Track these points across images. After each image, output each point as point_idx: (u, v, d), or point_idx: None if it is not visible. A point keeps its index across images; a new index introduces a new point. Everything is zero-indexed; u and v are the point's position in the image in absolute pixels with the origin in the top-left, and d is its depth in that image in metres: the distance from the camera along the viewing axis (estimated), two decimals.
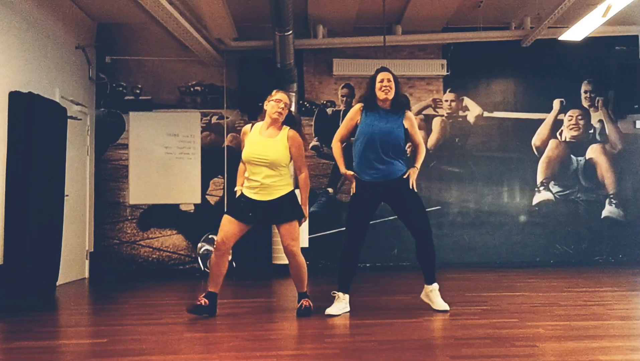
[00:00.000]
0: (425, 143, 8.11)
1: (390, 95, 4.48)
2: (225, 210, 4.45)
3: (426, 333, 3.79)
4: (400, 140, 4.49)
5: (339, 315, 4.44)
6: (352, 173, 4.57)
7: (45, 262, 5.62)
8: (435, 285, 4.60)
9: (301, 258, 4.51)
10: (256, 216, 4.41)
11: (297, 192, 4.56)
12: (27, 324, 4.30)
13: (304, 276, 4.53)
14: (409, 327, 3.98)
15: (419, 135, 4.65)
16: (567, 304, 4.83)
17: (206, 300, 4.39)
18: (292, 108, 7.64)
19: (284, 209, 4.44)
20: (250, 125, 4.58)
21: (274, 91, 4.51)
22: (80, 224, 7.19)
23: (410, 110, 4.71)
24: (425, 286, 4.63)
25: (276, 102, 4.41)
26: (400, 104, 4.55)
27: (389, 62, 7.84)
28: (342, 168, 4.62)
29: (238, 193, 4.50)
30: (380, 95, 4.49)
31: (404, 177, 4.49)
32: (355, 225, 4.55)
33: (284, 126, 4.49)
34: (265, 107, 4.48)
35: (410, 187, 4.48)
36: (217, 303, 4.45)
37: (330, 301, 4.58)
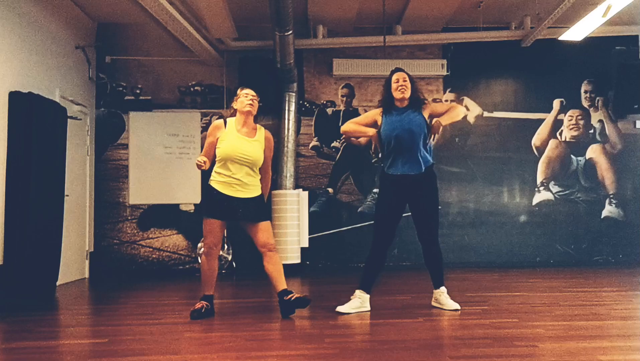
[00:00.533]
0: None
1: (407, 94, 4.53)
2: (204, 213, 4.43)
3: (426, 333, 3.79)
4: (422, 133, 4.50)
5: (350, 313, 4.44)
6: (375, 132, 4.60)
7: (45, 262, 5.62)
8: (443, 288, 4.64)
9: (277, 256, 4.54)
10: (230, 211, 4.39)
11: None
12: (27, 324, 4.30)
13: (282, 272, 4.50)
14: (409, 327, 3.98)
15: (444, 106, 4.67)
16: (567, 304, 4.83)
17: (207, 303, 4.44)
18: (292, 109, 7.68)
19: (260, 208, 4.48)
20: (222, 120, 4.53)
21: (239, 89, 4.56)
22: (80, 224, 7.19)
23: (427, 102, 4.72)
24: (434, 290, 4.67)
25: (244, 96, 4.46)
26: (418, 101, 4.59)
27: (389, 62, 7.86)
28: (368, 132, 4.64)
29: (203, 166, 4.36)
30: (397, 95, 4.53)
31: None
32: (383, 221, 4.57)
33: (259, 126, 4.56)
34: (234, 107, 4.50)
35: (436, 132, 4.48)
36: (213, 305, 4.52)
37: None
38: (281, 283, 4.45)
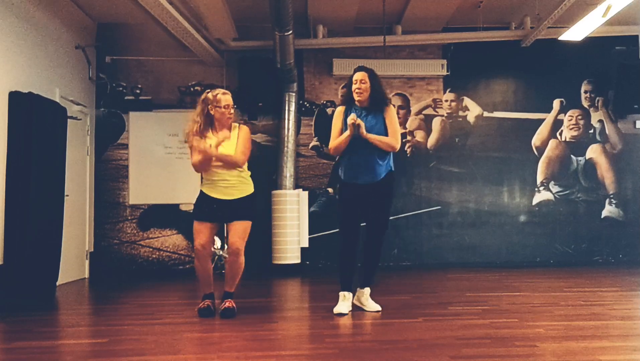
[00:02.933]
0: (425, 143, 8.13)
1: (363, 97, 4.45)
2: (194, 217, 4.48)
3: (426, 333, 3.79)
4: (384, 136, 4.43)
5: (347, 313, 4.44)
6: (356, 121, 4.39)
7: (45, 262, 5.61)
8: (368, 290, 4.62)
9: (243, 259, 4.50)
10: (220, 213, 4.43)
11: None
12: (27, 324, 4.30)
13: (238, 276, 4.55)
14: (409, 327, 3.98)
15: (394, 129, 4.46)
16: (567, 304, 4.83)
17: (211, 301, 4.50)
18: (292, 109, 7.68)
19: (242, 208, 4.46)
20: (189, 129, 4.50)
21: (217, 94, 4.42)
22: (80, 224, 7.18)
23: (390, 105, 4.60)
24: (359, 289, 4.64)
25: (226, 109, 4.41)
26: (378, 101, 4.47)
27: (389, 62, 7.86)
28: (349, 131, 4.40)
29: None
30: (355, 96, 4.46)
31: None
32: (345, 225, 4.57)
33: (235, 124, 4.54)
34: (211, 112, 4.42)
35: (354, 131, 4.34)
36: (214, 303, 4.55)
37: (331, 301, 4.58)
38: (229, 285, 4.53)
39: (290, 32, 6.36)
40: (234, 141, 4.47)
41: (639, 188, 8.27)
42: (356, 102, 4.50)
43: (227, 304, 4.45)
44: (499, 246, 8.12)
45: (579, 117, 8.30)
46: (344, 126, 4.46)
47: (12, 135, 5.41)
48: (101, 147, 7.71)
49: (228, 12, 6.60)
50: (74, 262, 6.91)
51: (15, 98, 5.46)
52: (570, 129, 8.29)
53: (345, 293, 4.56)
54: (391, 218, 7.38)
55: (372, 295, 4.66)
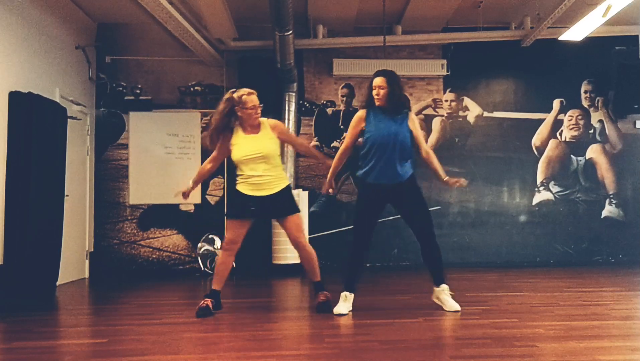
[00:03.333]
0: (426, 143, 8.12)
1: (383, 102, 4.48)
2: (226, 213, 4.50)
3: (426, 333, 3.79)
4: (407, 141, 4.49)
5: (347, 313, 4.44)
6: (331, 186, 4.74)
7: (45, 262, 5.61)
8: (444, 286, 4.60)
9: (310, 248, 4.61)
10: (258, 210, 4.48)
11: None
12: (27, 324, 4.30)
13: (315, 265, 4.63)
14: (409, 327, 3.97)
15: (423, 138, 4.67)
16: (567, 304, 4.83)
17: (211, 300, 4.47)
18: (292, 109, 7.68)
19: (285, 203, 4.53)
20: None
21: (243, 96, 4.44)
22: (80, 224, 7.19)
23: (411, 110, 4.69)
24: (434, 288, 4.64)
25: (252, 110, 4.44)
26: (398, 105, 4.52)
27: (389, 62, 7.85)
28: (330, 176, 4.68)
29: (185, 189, 4.59)
30: (375, 101, 4.51)
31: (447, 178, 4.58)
32: (362, 226, 4.56)
33: (262, 119, 4.56)
34: (238, 113, 4.45)
35: (458, 185, 4.58)
36: (220, 299, 4.54)
37: (331, 301, 4.58)
38: (312, 276, 4.67)
39: (290, 32, 6.36)
40: (263, 138, 4.50)
41: (639, 188, 8.27)
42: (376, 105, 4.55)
43: (321, 298, 4.54)
44: (499, 246, 8.12)
45: (579, 117, 8.30)
46: (363, 130, 4.54)
47: (12, 135, 5.41)
48: (101, 147, 7.71)
49: (228, 12, 6.60)
50: (74, 262, 6.91)
51: (15, 98, 5.46)
52: (570, 129, 8.29)
53: (347, 293, 4.56)
54: (391, 218, 7.44)
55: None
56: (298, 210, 4.61)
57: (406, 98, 4.69)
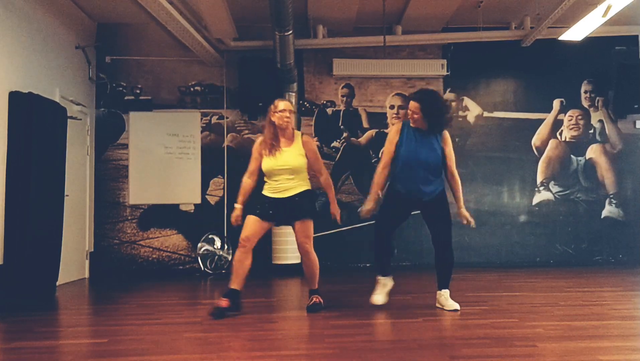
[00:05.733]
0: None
1: (418, 124, 4.53)
2: (248, 211, 4.57)
3: (426, 333, 3.79)
4: (438, 161, 4.59)
5: (382, 303, 4.64)
6: (373, 207, 4.68)
7: (45, 262, 5.61)
8: (445, 291, 4.67)
9: (314, 256, 4.61)
10: (277, 214, 4.54)
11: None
12: (27, 324, 4.30)
13: (315, 273, 4.66)
14: (409, 327, 3.98)
15: (453, 161, 4.67)
16: (567, 304, 4.84)
17: (227, 300, 4.40)
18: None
19: (301, 207, 4.56)
20: (261, 139, 4.69)
21: (277, 101, 4.61)
22: (80, 224, 7.18)
23: (445, 132, 4.66)
24: (437, 291, 4.71)
25: (281, 113, 4.52)
26: (435, 126, 4.54)
27: (389, 62, 7.86)
28: (373, 195, 4.66)
29: (237, 213, 4.58)
30: (410, 123, 4.57)
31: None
32: (384, 226, 4.72)
33: (297, 132, 4.67)
34: (272, 119, 4.56)
35: (466, 222, 4.68)
36: (240, 300, 4.49)
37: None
38: (310, 283, 4.70)
39: (290, 32, 6.36)
40: (296, 149, 4.57)
41: (639, 188, 8.27)
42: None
43: (314, 300, 4.60)
44: (499, 246, 8.12)
45: (579, 117, 8.30)
46: (399, 143, 4.59)
47: (12, 135, 5.41)
48: (101, 147, 7.71)
49: (228, 12, 6.60)
50: (74, 262, 6.91)
51: (15, 98, 5.46)
52: (570, 129, 8.29)
53: (382, 278, 4.75)
54: None
55: (371, 295, 4.69)
56: (312, 217, 4.60)
57: (446, 113, 4.61)
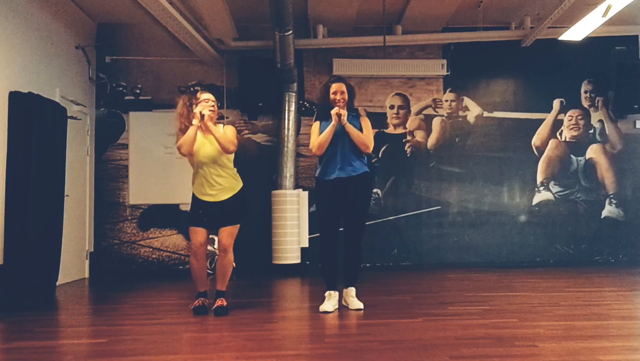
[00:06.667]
0: (425, 143, 8.14)
1: (345, 110, 4.56)
2: (187, 221, 4.69)
3: (426, 333, 3.79)
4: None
5: (333, 311, 4.53)
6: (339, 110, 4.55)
7: (45, 262, 5.62)
8: (352, 289, 4.68)
9: (232, 256, 4.64)
10: (209, 219, 4.57)
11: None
12: (27, 324, 4.30)
13: (228, 273, 4.68)
14: (409, 327, 3.98)
15: (370, 137, 4.66)
16: (567, 304, 4.84)
17: (200, 300, 4.58)
18: (292, 109, 7.67)
19: (231, 212, 4.58)
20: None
21: (199, 93, 4.78)
22: (80, 224, 7.18)
23: (364, 115, 4.80)
24: (344, 289, 4.71)
25: (205, 102, 4.64)
26: (353, 110, 4.67)
27: (389, 62, 7.86)
28: (333, 121, 4.54)
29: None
30: (335, 109, 4.53)
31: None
32: (325, 225, 4.64)
33: (219, 123, 4.74)
34: (195, 111, 4.67)
35: (343, 121, 4.51)
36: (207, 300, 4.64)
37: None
38: (219, 284, 4.64)
39: (290, 32, 6.36)
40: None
41: (639, 188, 8.27)
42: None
43: (219, 303, 4.55)
44: (499, 246, 8.12)
45: (579, 117, 8.30)
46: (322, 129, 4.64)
47: (12, 135, 5.41)
48: (101, 147, 7.71)
49: (228, 12, 6.60)
50: (74, 262, 6.91)
51: (15, 98, 5.46)
52: (570, 129, 8.29)
53: (331, 292, 4.64)
54: (391, 218, 7.45)
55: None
56: (238, 222, 4.61)
57: (356, 105, 4.83)
